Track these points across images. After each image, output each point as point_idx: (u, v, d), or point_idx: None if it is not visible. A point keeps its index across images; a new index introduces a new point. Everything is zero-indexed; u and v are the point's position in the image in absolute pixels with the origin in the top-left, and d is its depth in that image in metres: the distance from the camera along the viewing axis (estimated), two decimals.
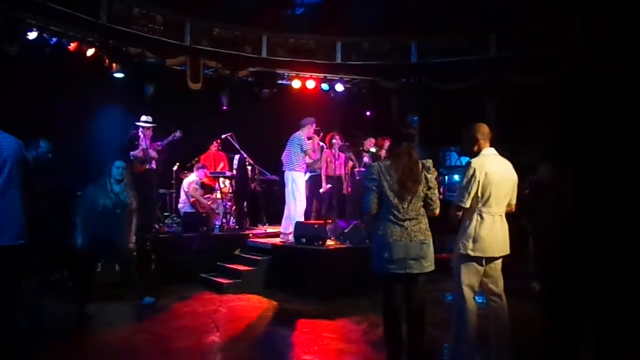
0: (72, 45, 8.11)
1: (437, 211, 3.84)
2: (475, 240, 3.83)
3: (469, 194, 3.82)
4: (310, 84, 10.39)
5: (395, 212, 3.76)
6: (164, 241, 7.54)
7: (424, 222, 3.81)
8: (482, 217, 3.85)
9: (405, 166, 3.77)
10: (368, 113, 11.06)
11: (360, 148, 9.11)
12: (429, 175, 3.80)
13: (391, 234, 3.75)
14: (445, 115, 9.99)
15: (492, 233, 3.87)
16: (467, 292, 3.86)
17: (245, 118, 10.10)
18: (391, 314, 3.84)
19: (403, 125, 4.27)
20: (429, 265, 3.78)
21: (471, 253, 3.85)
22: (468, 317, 3.83)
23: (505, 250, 3.95)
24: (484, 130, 3.94)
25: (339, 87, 10.48)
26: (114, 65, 8.65)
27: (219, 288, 6.95)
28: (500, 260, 3.99)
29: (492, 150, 3.95)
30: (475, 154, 3.91)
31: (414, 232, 3.75)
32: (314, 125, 7.88)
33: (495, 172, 3.87)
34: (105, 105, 9.42)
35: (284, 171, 7.79)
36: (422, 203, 3.81)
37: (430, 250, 3.78)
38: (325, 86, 10.48)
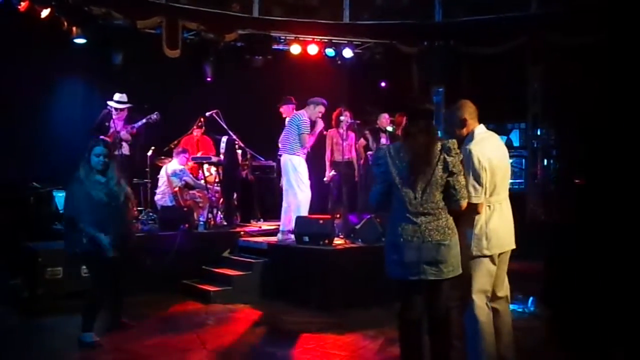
0: (23, 5, 8.08)
1: (464, 203, 3.76)
2: (488, 237, 3.90)
3: (482, 186, 3.86)
4: (313, 49, 10.35)
5: (407, 205, 3.71)
6: (137, 241, 7.54)
7: (445, 218, 3.73)
8: (490, 208, 3.94)
9: (421, 146, 3.71)
10: (383, 84, 11.02)
11: (377, 126, 9.10)
12: (449, 159, 3.69)
13: (402, 232, 3.71)
14: (476, 85, 9.93)
15: (504, 223, 4.01)
16: (480, 300, 3.91)
17: (233, 91, 10.08)
18: (408, 327, 3.83)
19: (420, 99, 4.17)
20: (450, 270, 3.73)
21: (487, 252, 3.90)
22: (483, 329, 3.87)
23: (513, 241, 4.08)
24: (470, 109, 4.06)
25: (347, 53, 10.43)
26: (74, 29, 8.62)
27: (205, 297, 6.98)
28: (507, 256, 4.09)
29: (483, 128, 4.06)
30: (465, 137, 4.00)
31: (429, 231, 3.68)
32: (323, 109, 7.79)
33: (497, 156, 3.99)
34: (65, 77, 9.44)
35: (280, 156, 7.79)
36: (441, 194, 3.74)
37: (452, 252, 3.73)
38: (330, 52, 10.43)
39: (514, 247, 4.08)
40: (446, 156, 3.70)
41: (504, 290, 4.10)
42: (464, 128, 4.02)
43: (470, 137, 3.98)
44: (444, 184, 3.73)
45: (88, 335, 5.19)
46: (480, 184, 3.84)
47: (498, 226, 3.94)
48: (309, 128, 7.57)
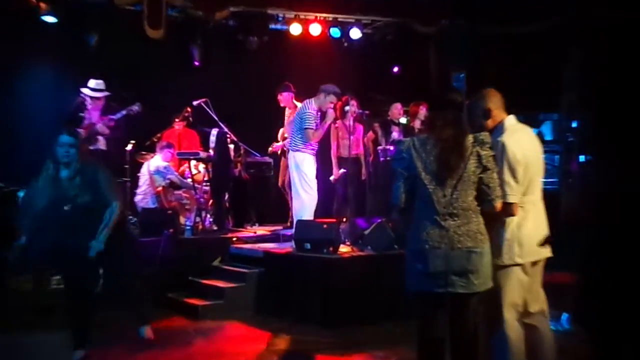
0: None
1: (499, 203, 3.75)
2: (521, 243, 3.91)
3: (518, 183, 3.86)
4: (315, 30, 10.36)
5: (435, 205, 3.70)
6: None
7: (476, 222, 3.72)
8: (524, 210, 3.94)
9: (450, 138, 3.71)
10: (395, 69, 11.04)
11: (388, 118, 9.10)
12: (483, 152, 3.70)
13: (427, 237, 3.70)
14: (503, 70, 9.93)
15: (539, 227, 4.01)
16: (510, 315, 3.91)
17: (225, 77, 10.09)
18: (429, 348, 3.83)
19: (444, 87, 4.21)
20: (481, 282, 3.72)
21: (519, 260, 3.91)
22: (512, 347, 3.87)
23: (549, 248, 4.07)
24: (495, 98, 4.09)
25: (355, 34, 10.44)
26: (42, 5, 8.66)
27: (193, 312, 7.00)
28: (541, 267, 4.10)
29: (514, 120, 4.10)
30: (491, 129, 4.02)
31: (459, 236, 3.67)
32: (334, 98, 7.72)
33: (531, 150, 4.02)
34: (32, 61, 9.45)
35: (287, 151, 7.88)
36: (474, 193, 3.74)
37: (484, 261, 3.72)
38: (335, 32, 10.45)
39: (549, 255, 4.08)
40: (480, 149, 3.70)
41: (540, 303, 4.09)
42: (489, 119, 4.04)
43: (500, 129, 4.00)
44: (477, 181, 3.72)
45: (76, 353, 5.11)
46: (516, 180, 3.85)
47: (532, 230, 3.95)
48: (313, 122, 7.55)
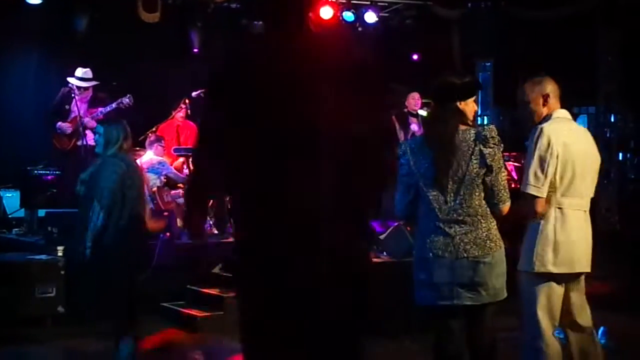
0: None
1: (505, 207, 3.73)
2: (556, 250, 3.88)
3: (546, 176, 3.84)
4: (326, 13, 10.38)
5: (436, 212, 3.69)
6: None
7: (485, 228, 3.69)
8: (562, 213, 3.91)
9: (444, 136, 3.67)
10: (415, 56, 11.05)
11: (405, 110, 9.09)
12: (487, 151, 3.63)
13: (430, 245, 3.70)
14: (533, 59, 9.93)
15: (579, 236, 3.97)
16: (546, 326, 3.91)
17: None
18: None
19: (451, 72, 4.01)
20: (492, 294, 3.71)
21: (553, 269, 3.88)
22: None
23: (590, 262, 4.05)
24: (553, 86, 4.07)
25: (371, 17, 10.46)
26: None
27: (191, 324, 7.03)
28: (583, 278, 4.09)
29: (566, 113, 4.06)
30: (543, 119, 4.01)
31: (465, 244, 3.65)
32: None
33: (576, 145, 3.96)
34: (14, 47, 9.50)
35: None
36: (481, 195, 3.70)
37: (494, 272, 3.70)
38: (349, 15, 10.46)
39: (588, 270, 4.04)
40: (482, 148, 3.64)
41: (586, 319, 4.09)
42: (545, 106, 4.02)
43: (547, 118, 3.99)
44: (482, 183, 3.69)
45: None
46: (543, 171, 3.83)
47: (572, 239, 3.91)
48: None
